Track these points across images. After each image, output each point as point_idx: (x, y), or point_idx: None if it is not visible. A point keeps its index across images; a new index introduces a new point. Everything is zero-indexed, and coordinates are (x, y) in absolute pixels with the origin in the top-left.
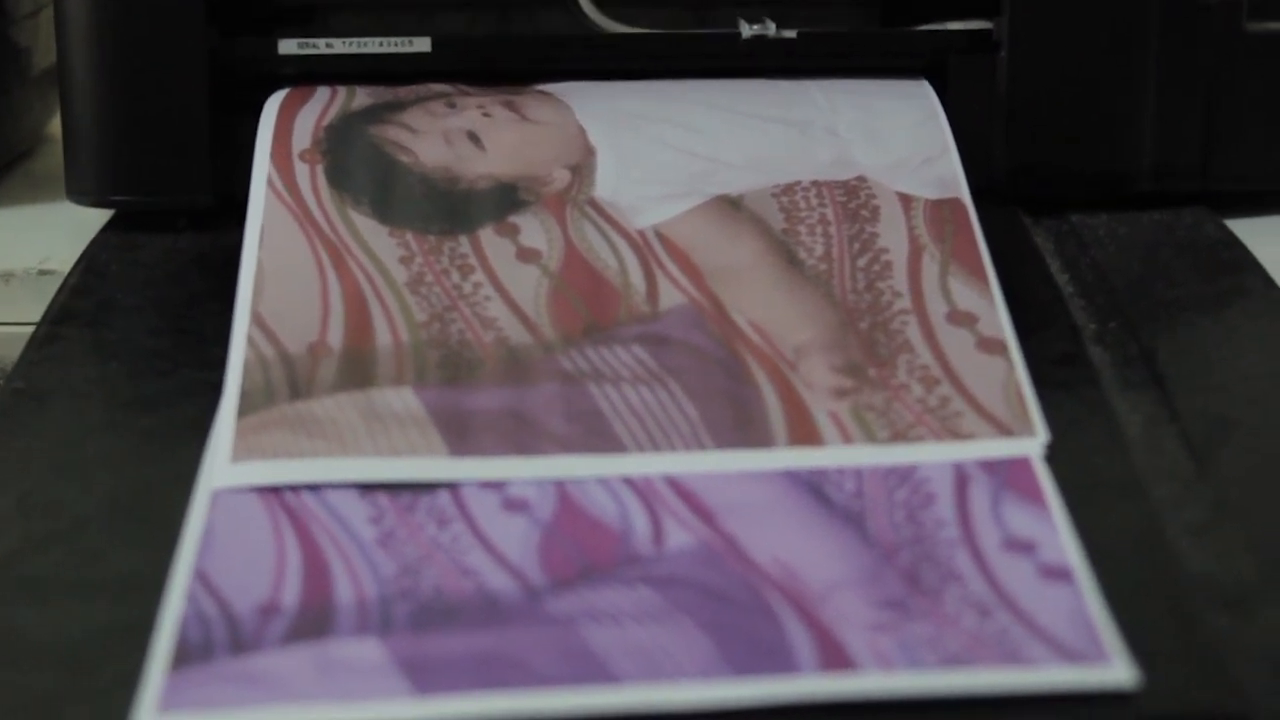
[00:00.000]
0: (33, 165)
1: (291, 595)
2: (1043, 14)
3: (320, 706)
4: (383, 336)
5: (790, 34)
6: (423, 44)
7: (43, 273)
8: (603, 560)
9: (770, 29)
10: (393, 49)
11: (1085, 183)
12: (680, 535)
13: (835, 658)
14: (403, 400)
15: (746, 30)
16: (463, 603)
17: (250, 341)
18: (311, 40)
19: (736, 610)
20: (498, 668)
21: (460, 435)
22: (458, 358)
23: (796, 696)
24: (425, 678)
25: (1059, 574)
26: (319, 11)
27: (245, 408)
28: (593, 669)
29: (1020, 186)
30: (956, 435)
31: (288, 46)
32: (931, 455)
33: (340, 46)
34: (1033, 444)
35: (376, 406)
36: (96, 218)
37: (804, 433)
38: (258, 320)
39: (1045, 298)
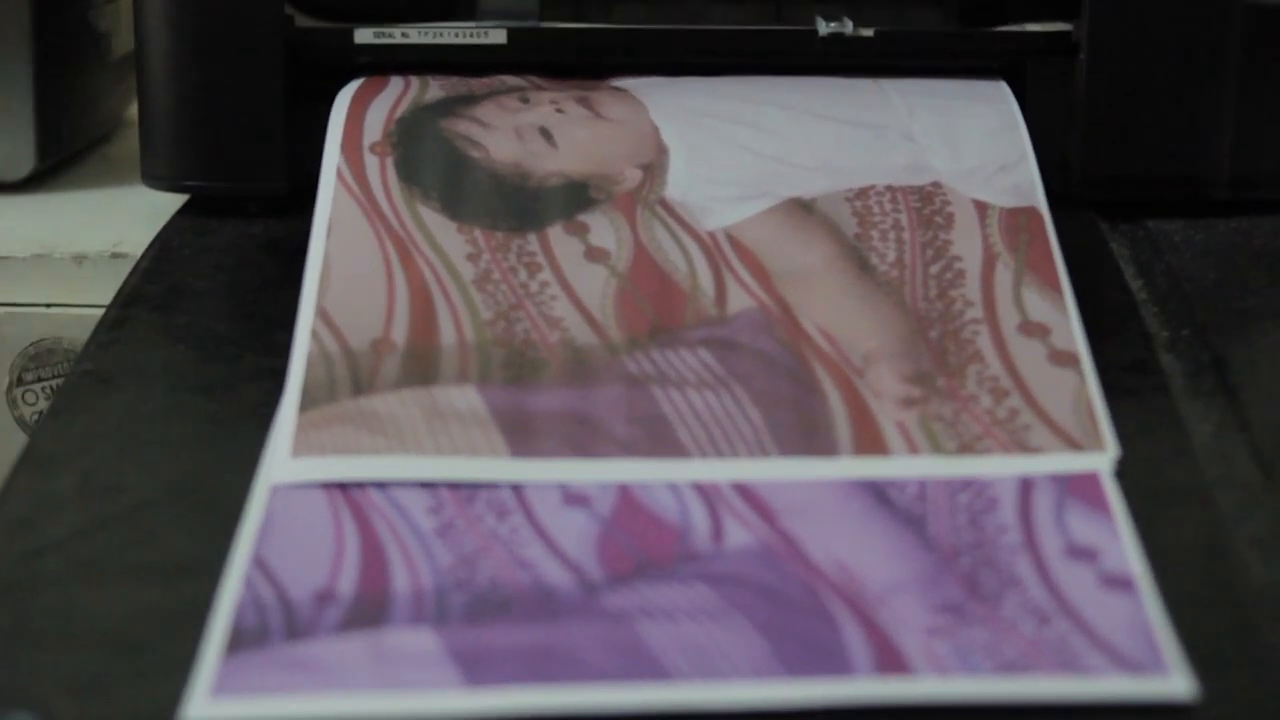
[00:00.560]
0: (111, 149)
1: (348, 583)
2: (1122, 17)
3: (372, 695)
4: (447, 334)
5: (867, 33)
6: (499, 35)
7: (115, 255)
8: (661, 556)
9: (847, 27)
10: (468, 39)
11: (1163, 188)
12: (740, 534)
13: (890, 661)
14: (466, 399)
15: (823, 28)
16: (518, 595)
17: (314, 335)
18: (387, 29)
19: (793, 610)
20: (550, 661)
21: (522, 436)
22: (522, 357)
23: (850, 699)
24: (478, 669)
25: (1120, 582)
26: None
27: (307, 402)
28: (646, 665)
29: (1097, 190)
30: (1024, 448)
31: (363, 35)
32: (998, 469)
33: (415, 36)
34: (1102, 459)
35: (439, 404)
36: (172, 202)
37: (869, 442)
38: (323, 314)
39: (1118, 304)
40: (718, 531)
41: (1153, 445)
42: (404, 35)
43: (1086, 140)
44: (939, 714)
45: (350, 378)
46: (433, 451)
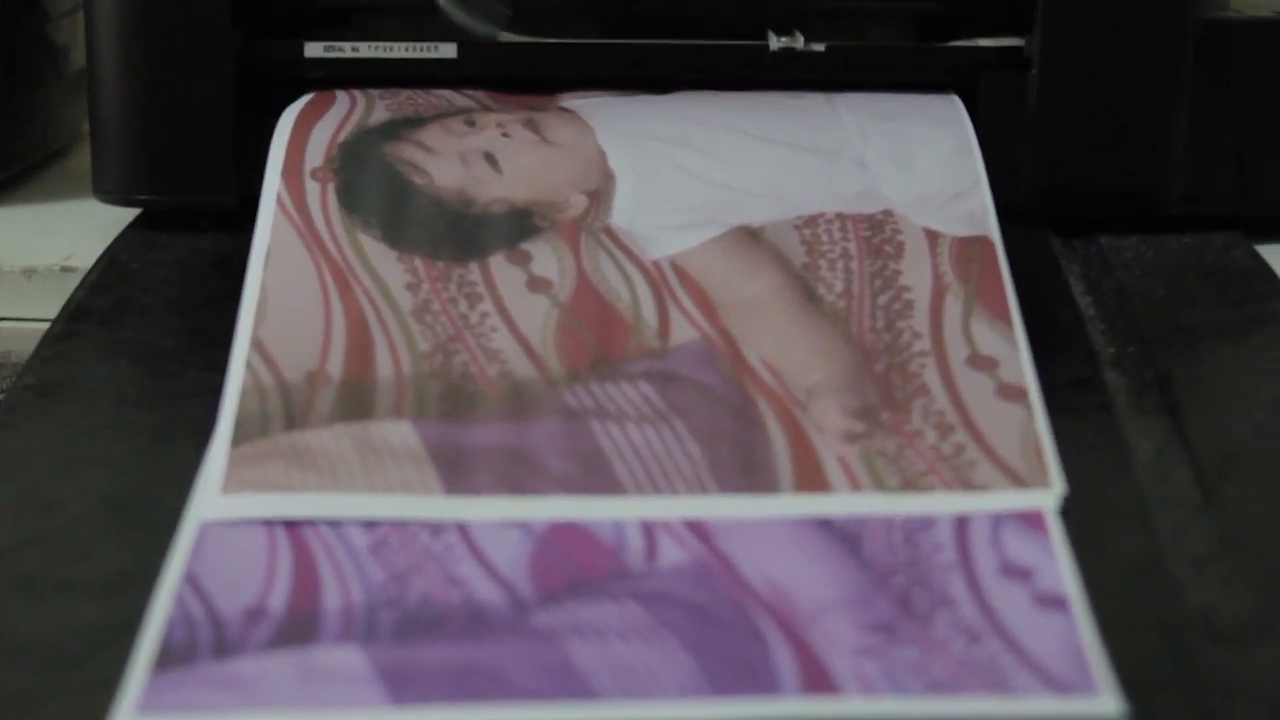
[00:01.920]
0: (68, 162)
1: (279, 600)
2: (1074, 33)
3: (296, 714)
4: (384, 367)
5: (819, 47)
6: (449, 50)
7: (65, 269)
8: (594, 574)
9: (799, 42)
10: (419, 54)
11: (1115, 204)
12: (674, 552)
13: (818, 681)
14: (400, 434)
15: (774, 43)
16: (448, 613)
17: (249, 367)
18: (337, 44)
19: (722, 629)
20: (477, 680)
21: (456, 473)
22: (459, 391)
23: (775, 718)
24: (404, 688)
25: (1054, 602)
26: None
27: (239, 437)
28: (573, 684)
29: (1049, 206)
30: (969, 486)
31: (313, 50)
32: (941, 506)
33: (366, 51)
34: (1047, 496)
35: (373, 440)
36: (124, 216)
37: (811, 478)
38: (258, 346)
39: (1065, 320)
40: (652, 550)
41: (1094, 464)
42: (354, 49)
43: (1038, 155)
44: None
45: (284, 411)
46: (365, 488)
